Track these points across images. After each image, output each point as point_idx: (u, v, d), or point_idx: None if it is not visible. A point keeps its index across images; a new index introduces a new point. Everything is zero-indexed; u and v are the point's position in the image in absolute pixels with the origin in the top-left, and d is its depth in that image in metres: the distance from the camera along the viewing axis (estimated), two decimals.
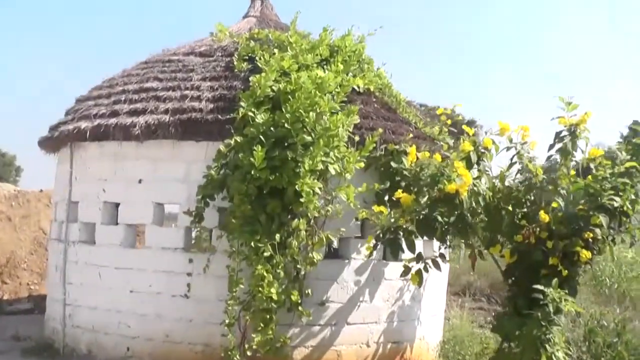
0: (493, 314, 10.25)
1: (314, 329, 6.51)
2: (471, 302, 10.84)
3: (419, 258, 5.98)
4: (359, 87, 7.02)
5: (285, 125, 5.95)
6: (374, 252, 6.17)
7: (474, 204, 5.53)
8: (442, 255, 6.17)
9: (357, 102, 6.78)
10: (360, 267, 6.77)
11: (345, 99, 6.50)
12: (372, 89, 7.39)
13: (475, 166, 5.74)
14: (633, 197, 5.52)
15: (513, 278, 5.91)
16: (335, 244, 6.71)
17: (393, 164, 6.45)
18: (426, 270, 6.04)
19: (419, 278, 6.00)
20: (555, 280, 5.34)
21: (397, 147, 6.59)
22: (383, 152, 6.62)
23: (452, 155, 5.75)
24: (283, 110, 6.10)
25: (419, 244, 6.30)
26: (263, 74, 6.38)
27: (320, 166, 5.97)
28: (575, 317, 7.02)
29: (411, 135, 6.96)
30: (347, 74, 6.84)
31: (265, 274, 5.77)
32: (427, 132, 7.39)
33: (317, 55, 6.95)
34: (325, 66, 6.85)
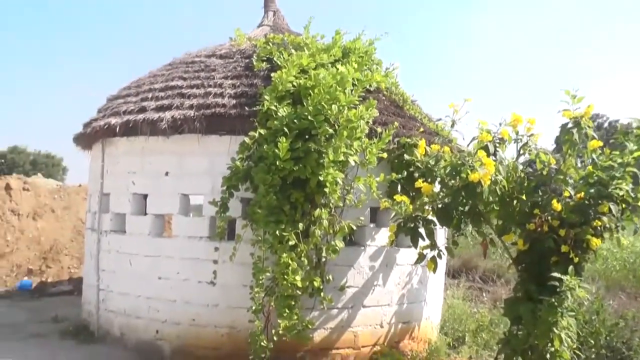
0: (484, 294, 9.89)
1: (333, 312, 5.95)
2: (459, 280, 10.40)
3: (433, 245, 5.49)
4: (370, 85, 6.46)
5: (308, 117, 5.38)
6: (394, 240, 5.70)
7: (491, 193, 5.04)
8: (454, 242, 5.65)
9: (369, 99, 6.28)
10: (375, 253, 6.20)
11: (361, 95, 6.00)
12: (381, 87, 6.82)
13: (492, 156, 5.24)
14: (631, 186, 5.06)
15: (523, 264, 5.39)
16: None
17: (406, 156, 5.91)
18: (440, 257, 5.54)
19: (434, 264, 5.49)
20: (571, 268, 4.83)
21: (408, 140, 6.05)
22: (395, 146, 6.08)
23: (473, 146, 5.22)
24: (304, 104, 5.54)
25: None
26: (284, 70, 5.82)
27: (342, 157, 5.46)
28: None
29: (421, 130, 6.45)
30: (362, 72, 6.31)
31: (290, 261, 5.20)
32: (432, 127, 6.91)
33: (331, 55, 6.35)
34: (339, 66, 6.33)
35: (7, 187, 11.96)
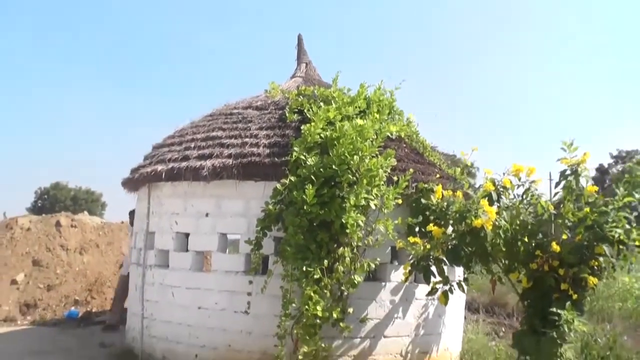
0: (503, 328, 10.29)
1: (355, 341, 6.51)
2: (479, 316, 10.83)
3: (446, 281, 6.04)
4: (392, 134, 7.13)
5: (333, 167, 6.05)
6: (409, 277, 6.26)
7: (495, 236, 5.60)
8: (465, 280, 6.19)
9: (390, 147, 6.89)
10: (395, 288, 6.78)
11: (382, 144, 6.66)
12: (402, 136, 7.50)
13: (496, 203, 5.81)
14: (627, 226, 5.56)
15: (528, 300, 5.90)
16: (373, 269, 6.84)
17: (423, 200, 6.51)
18: (451, 292, 6.07)
19: (445, 298, 6.04)
20: (568, 304, 5.34)
21: (425, 185, 6.65)
22: (414, 190, 6.70)
23: (477, 194, 5.81)
24: (330, 154, 6.20)
25: (445, 269, 6.37)
26: (312, 124, 6.51)
27: (363, 202, 6.07)
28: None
29: (438, 175, 7.05)
30: (382, 123, 6.97)
31: (312, 294, 5.77)
32: (450, 173, 7.47)
33: (356, 107, 7.06)
34: (363, 116, 6.96)
35: (57, 224, 12.93)
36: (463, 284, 6.12)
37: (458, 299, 7.49)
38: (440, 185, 6.45)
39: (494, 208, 5.64)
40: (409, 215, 6.57)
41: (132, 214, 9.41)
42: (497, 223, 5.54)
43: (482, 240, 5.42)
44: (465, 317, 8.84)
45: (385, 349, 6.68)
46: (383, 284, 6.75)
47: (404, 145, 7.44)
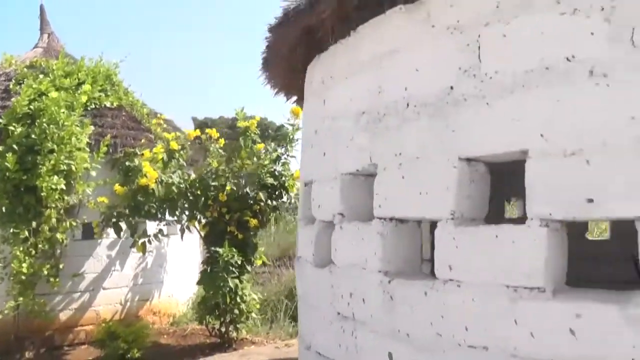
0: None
1: (75, 295, 7.42)
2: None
3: (144, 234, 7.01)
4: (112, 103, 7.96)
5: (33, 136, 6.84)
6: (104, 232, 7.16)
7: (172, 191, 6.60)
8: (160, 231, 7.14)
9: (108, 116, 7.75)
10: (111, 244, 7.71)
11: (84, 114, 7.41)
12: (122, 105, 8.36)
13: (172, 162, 6.79)
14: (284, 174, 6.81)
15: (207, 244, 7.01)
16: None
17: (127, 163, 7.29)
18: (150, 243, 7.05)
19: (143, 248, 7.01)
20: (226, 242, 6.45)
21: (132, 150, 7.45)
22: (123, 154, 7.55)
23: (143, 156, 6.76)
24: (36, 124, 6.98)
25: (151, 224, 7.35)
26: (20, 96, 7.22)
27: (63, 167, 6.85)
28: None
29: (143, 140, 7.91)
30: (98, 93, 7.74)
31: (18, 253, 6.60)
32: (167, 137, 8.13)
33: (75, 79, 7.82)
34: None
35: None
36: (159, 235, 7.09)
37: (183, 250, 8.53)
38: (147, 150, 7.32)
39: (169, 167, 6.64)
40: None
41: None
42: (170, 180, 6.53)
43: (151, 196, 6.40)
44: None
45: (105, 300, 7.67)
46: (99, 240, 7.67)
47: (123, 114, 8.32)
